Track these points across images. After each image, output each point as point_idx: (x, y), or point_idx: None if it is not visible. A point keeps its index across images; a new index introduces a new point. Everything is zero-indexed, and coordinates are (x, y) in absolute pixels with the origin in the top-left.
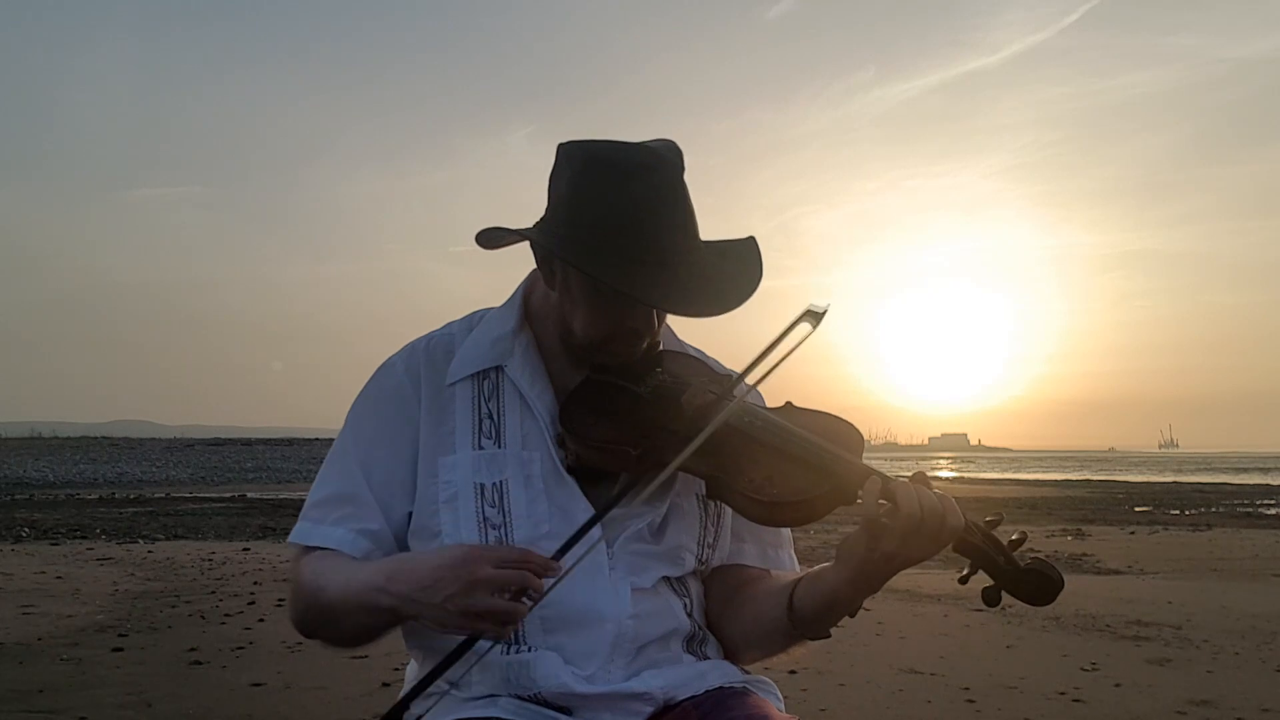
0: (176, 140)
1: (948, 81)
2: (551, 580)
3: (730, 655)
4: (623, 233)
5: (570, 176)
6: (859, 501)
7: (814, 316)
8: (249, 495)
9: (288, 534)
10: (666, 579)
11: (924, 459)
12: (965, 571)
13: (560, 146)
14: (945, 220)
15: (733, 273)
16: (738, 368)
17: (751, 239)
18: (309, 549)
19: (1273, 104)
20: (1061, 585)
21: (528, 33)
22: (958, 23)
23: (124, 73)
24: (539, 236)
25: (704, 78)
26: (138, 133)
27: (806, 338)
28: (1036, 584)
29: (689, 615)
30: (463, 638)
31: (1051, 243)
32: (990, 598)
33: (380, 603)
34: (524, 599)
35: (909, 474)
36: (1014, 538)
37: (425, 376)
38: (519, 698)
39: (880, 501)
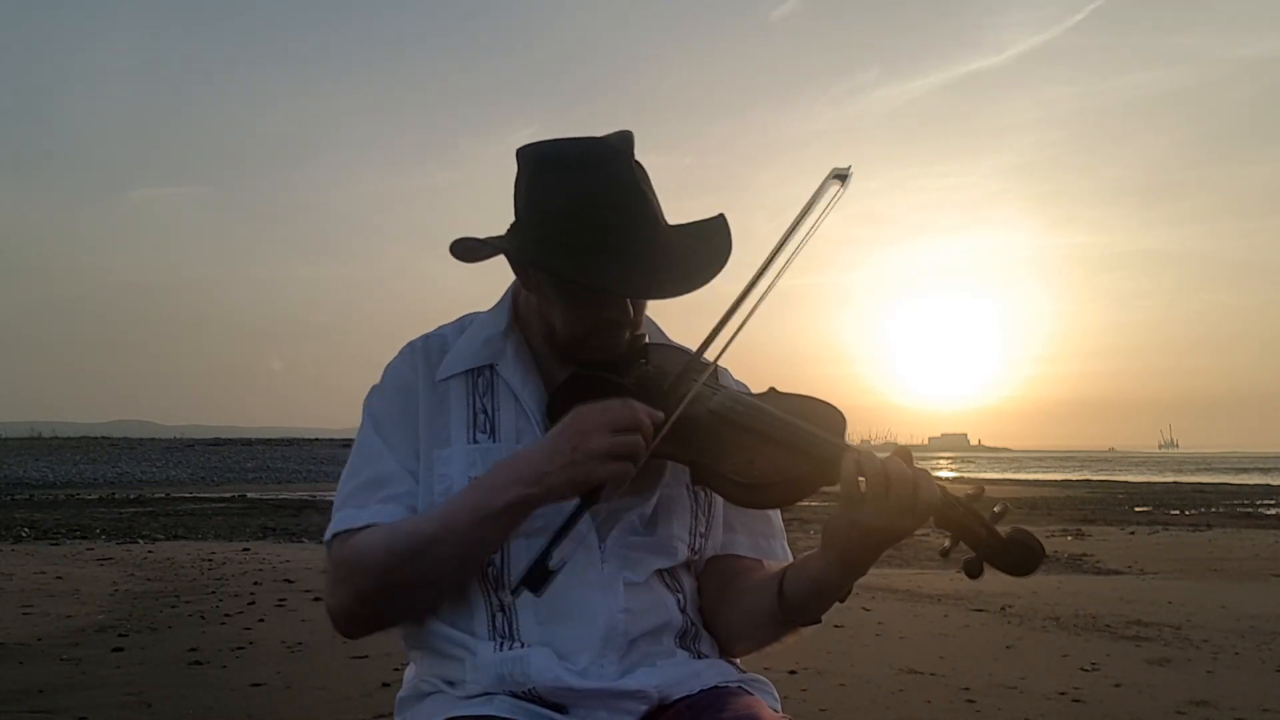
0: (176, 140)
1: (952, 81)
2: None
3: (725, 647)
4: (580, 226)
5: (527, 179)
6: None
7: (840, 177)
8: (249, 495)
9: (288, 534)
10: (660, 573)
11: (924, 459)
12: (947, 544)
13: (518, 151)
14: (949, 220)
15: (700, 250)
16: (777, 237)
17: (720, 216)
18: (348, 535)
19: (1277, 104)
20: (1043, 555)
21: (530, 32)
22: (962, 23)
23: (124, 73)
24: (504, 243)
25: (707, 77)
26: (138, 133)
27: (838, 197)
28: (1018, 554)
29: (682, 611)
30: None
31: (1054, 242)
32: (972, 569)
33: (508, 499)
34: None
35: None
36: (996, 510)
37: (422, 372)
38: (515, 695)
39: (858, 478)
